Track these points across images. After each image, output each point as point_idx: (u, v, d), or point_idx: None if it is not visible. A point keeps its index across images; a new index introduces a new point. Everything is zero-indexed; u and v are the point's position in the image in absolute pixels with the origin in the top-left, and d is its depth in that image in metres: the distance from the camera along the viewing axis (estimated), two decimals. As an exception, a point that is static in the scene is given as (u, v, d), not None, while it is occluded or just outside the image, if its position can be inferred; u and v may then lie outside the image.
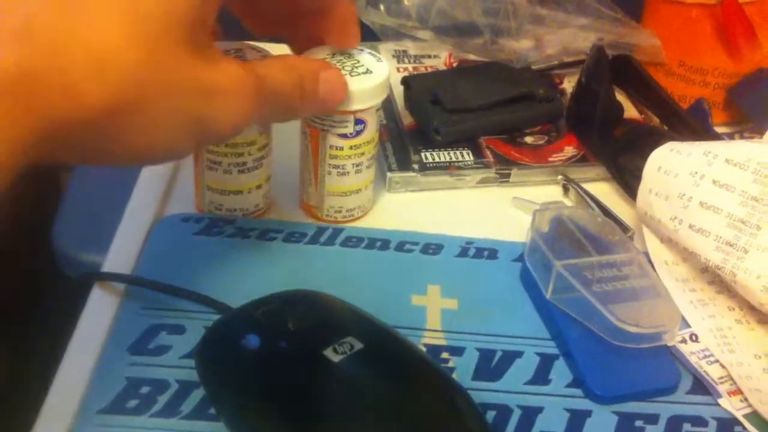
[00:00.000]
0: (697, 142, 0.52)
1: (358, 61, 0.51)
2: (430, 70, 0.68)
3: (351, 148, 0.52)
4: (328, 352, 0.39)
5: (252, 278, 0.49)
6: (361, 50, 0.52)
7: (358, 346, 0.40)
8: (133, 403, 0.42)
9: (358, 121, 0.51)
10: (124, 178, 0.58)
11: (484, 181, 0.59)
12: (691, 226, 0.49)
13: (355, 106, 0.50)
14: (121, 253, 0.51)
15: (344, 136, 0.51)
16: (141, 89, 0.35)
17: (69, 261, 0.97)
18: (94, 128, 0.34)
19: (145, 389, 0.42)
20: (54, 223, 1.00)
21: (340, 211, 0.54)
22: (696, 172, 0.50)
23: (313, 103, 0.46)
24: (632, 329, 0.44)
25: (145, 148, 0.37)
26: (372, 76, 0.50)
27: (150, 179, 0.57)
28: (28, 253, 1.06)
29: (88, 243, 0.96)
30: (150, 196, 0.55)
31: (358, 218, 0.55)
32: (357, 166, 0.53)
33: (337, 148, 0.52)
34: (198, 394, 0.42)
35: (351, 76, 0.50)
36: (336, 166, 0.52)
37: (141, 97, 0.35)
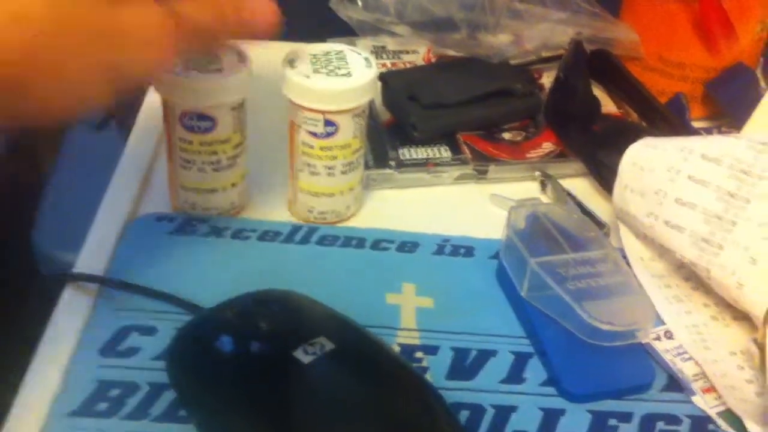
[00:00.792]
0: (672, 138, 0.52)
1: (346, 63, 0.50)
2: (408, 65, 0.68)
3: (321, 148, 0.51)
4: (299, 353, 0.39)
5: (226, 278, 0.49)
6: (358, 53, 0.51)
7: (329, 346, 0.40)
8: (103, 405, 0.41)
9: (328, 122, 0.50)
10: (105, 177, 0.58)
11: (461, 178, 0.59)
12: (666, 222, 0.49)
13: (322, 106, 0.50)
14: (94, 253, 0.50)
15: (314, 134, 0.51)
16: (50, 40, 0.35)
17: (49, 261, 0.97)
18: (4, 83, 0.34)
19: (115, 391, 0.42)
20: (34, 223, 1.00)
21: (312, 212, 0.54)
22: (672, 168, 0.49)
23: (238, 30, 0.43)
24: (606, 327, 0.44)
25: (61, 99, 0.37)
26: (348, 80, 0.50)
27: (124, 178, 0.57)
28: (6, 252, 1.06)
29: (69, 242, 0.96)
30: (124, 196, 0.55)
31: (333, 223, 0.54)
32: (329, 169, 0.52)
33: (307, 145, 0.51)
34: (168, 396, 0.42)
35: (327, 75, 0.50)
36: (308, 164, 0.52)
37: (50, 48, 0.35)
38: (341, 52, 0.52)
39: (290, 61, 0.51)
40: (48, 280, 0.49)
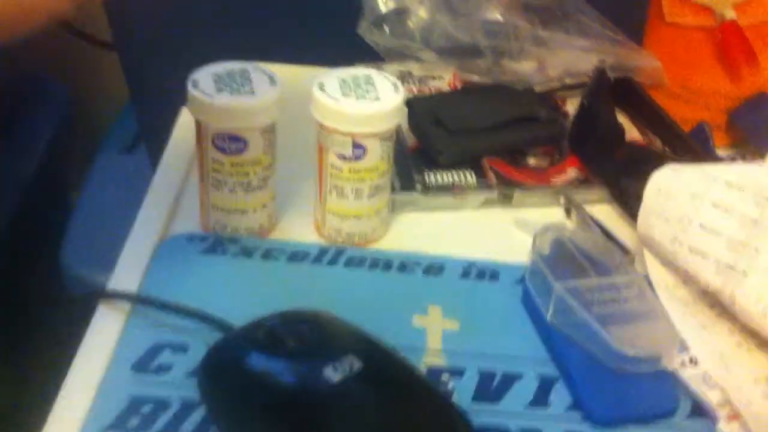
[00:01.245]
0: (697, 165, 0.52)
1: (374, 87, 0.52)
2: (434, 91, 0.69)
3: (350, 171, 0.52)
4: (328, 371, 0.40)
5: (255, 297, 0.50)
6: (386, 78, 0.53)
7: (358, 365, 0.40)
8: (135, 420, 0.42)
9: (356, 145, 0.51)
10: (133, 199, 0.59)
11: (487, 203, 0.60)
12: (691, 249, 0.50)
13: (351, 129, 0.51)
14: (127, 272, 0.51)
15: (342, 156, 0.52)
16: None
17: (76, 281, 0.98)
18: None
19: (147, 407, 0.43)
20: (62, 243, 1.01)
21: (340, 233, 0.55)
22: (696, 194, 0.50)
23: None
24: (631, 352, 0.44)
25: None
26: (376, 104, 0.51)
27: (156, 198, 0.58)
28: (35, 272, 1.07)
29: (96, 263, 0.97)
30: (156, 216, 0.56)
31: (360, 244, 0.55)
32: (357, 191, 0.53)
33: (336, 168, 0.52)
34: (200, 412, 0.43)
35: (356, 99, 0.51)
36: (336, 186, 0.53)
37: None
38: (369, 76, 0.53)
39: (320, 84, 0.52)
40: (81, 298, 0.50)
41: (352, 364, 0.40)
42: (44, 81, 1.16)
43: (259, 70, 0.52)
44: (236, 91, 0.50)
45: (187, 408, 0.43)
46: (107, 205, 1.05)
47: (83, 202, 1.07)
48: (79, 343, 0.47)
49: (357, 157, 0.52)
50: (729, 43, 0.63)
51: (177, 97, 0.67)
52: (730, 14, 0.62)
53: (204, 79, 0.51)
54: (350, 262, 0.53)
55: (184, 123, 0.65)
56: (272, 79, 0.52)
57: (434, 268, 0.53)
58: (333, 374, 0.40)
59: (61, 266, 0.99)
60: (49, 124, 1.13)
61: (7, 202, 1.02)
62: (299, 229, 0.56)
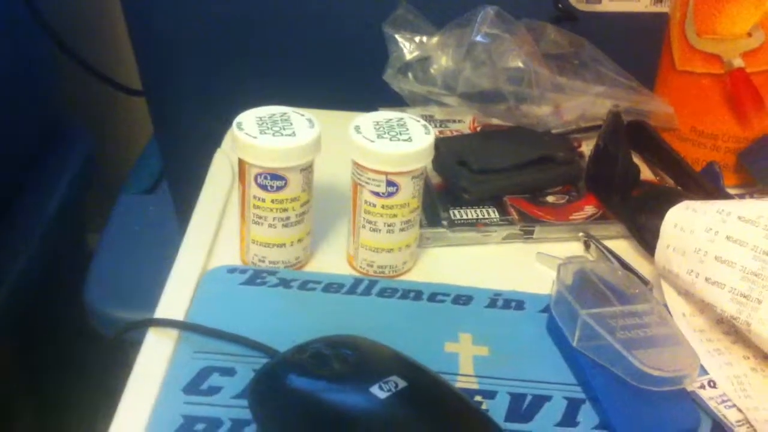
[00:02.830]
0: (710, 201, 0.55)
1: (407, 129, 0.55)
2: (455, 133, 0.72)
3: (383, 207, 0.56)
4: (375, 390, 0.42)
5: (294, 325, 0.52)
6: (417, 120, 0.56)
7: (402, 384, 0.43)
8: (189, 439, 0.45)
9: (390, 183, 0.55)
10: (152, 238, 0.62)
11: (509, 237, 0.63)
12: (707, 279, 0.53)
13: (386, 168, 0.54)
14: (173, 302, 0.54)
15: (377, 194, 0.55)
16: None
17: (100, 317, 1.01)
18: None
19: (199, 426, 0.45)
20: (84, 283, 1.04)
21: (372, 266, 0.58)
22: (710, 229, 0.53)
23: None
24: (655, 373, 0.47)
25: None
26: (409, 144, 0.54)
27: (196, 234, 0.61)
28: (57, 311, 1.10)
29: (119, 299, 1.01)
30: (197, 250, 0.59)
31: (390, 277, 0.58)
32: (389, 226, 0.56)
33: (370, 204, 0.56)
34: (251, 430, 0.45)
35: (390, 140, 0.54)
36: (369, 221, 0.56)
37: None
38: (402, 119, 0.57)
39: (356, 127, 0.55)
40: (128, 326, 0.53)
41: (396, 383, 0.43)
42: (67, 124, 1.20)
43: (298, 114, 0.56)
44: (278, 133, 0.54)
45: (237, 427, 0.45)
46: (128, 244, 1.09)
47: (105, 242, 1.11)
48: (112, 375, 0.49)
49: (390, 194, 0.55)
50: (737, 89, 0.67)
51: (202, 141, 0.70)
52: (738, 62, 0.66)
53: (248, 122, 0.55)
54: (383, 293, 0.56)
55: (218, 164, 0.69)
56: (311, 122, 0.55)
57: (462, 298, 0.56)
58: (379, 392, 0.42)
59: (84, 304, 1.03)
60: (72, 166, 1.17)
61: (30, 240, 1.05)
62: (333, 262, 0.59)
